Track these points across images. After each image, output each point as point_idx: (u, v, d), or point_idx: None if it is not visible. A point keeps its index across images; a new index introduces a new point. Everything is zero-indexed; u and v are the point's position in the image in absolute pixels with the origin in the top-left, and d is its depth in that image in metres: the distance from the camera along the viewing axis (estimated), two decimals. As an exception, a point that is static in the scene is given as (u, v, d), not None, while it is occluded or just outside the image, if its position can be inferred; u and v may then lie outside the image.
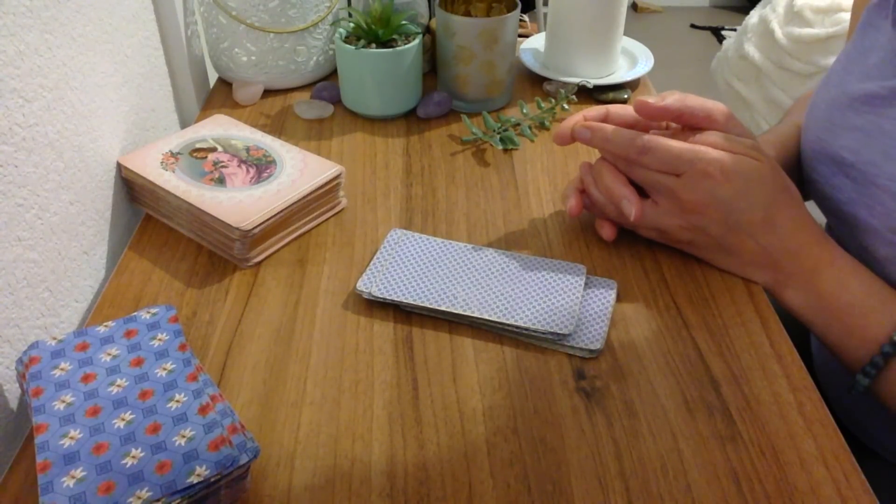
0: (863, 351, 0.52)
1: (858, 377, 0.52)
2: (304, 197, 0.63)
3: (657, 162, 0.55)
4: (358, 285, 0.57)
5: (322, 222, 0.66)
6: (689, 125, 0.57)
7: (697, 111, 0.55)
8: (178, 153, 0.67)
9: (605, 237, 0.62)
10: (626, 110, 0.60)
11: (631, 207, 0.57)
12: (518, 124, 0.80)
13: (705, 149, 0.53)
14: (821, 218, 0.65)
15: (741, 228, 0.55)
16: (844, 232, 0.59)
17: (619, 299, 0.58)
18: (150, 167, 0.65)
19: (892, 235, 0.53)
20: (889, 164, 0.53)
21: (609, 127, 0.57)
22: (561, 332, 0.53)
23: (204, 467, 0.40)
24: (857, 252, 0.56)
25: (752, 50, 1.77)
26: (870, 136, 0.55)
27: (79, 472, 0.40)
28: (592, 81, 0.85)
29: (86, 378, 0.46)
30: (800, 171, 0.67)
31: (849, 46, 0.63)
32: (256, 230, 0.59)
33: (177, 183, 0.63)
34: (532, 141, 0.79)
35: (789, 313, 0.57)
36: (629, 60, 0.92)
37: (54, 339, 0.49)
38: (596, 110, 0.60)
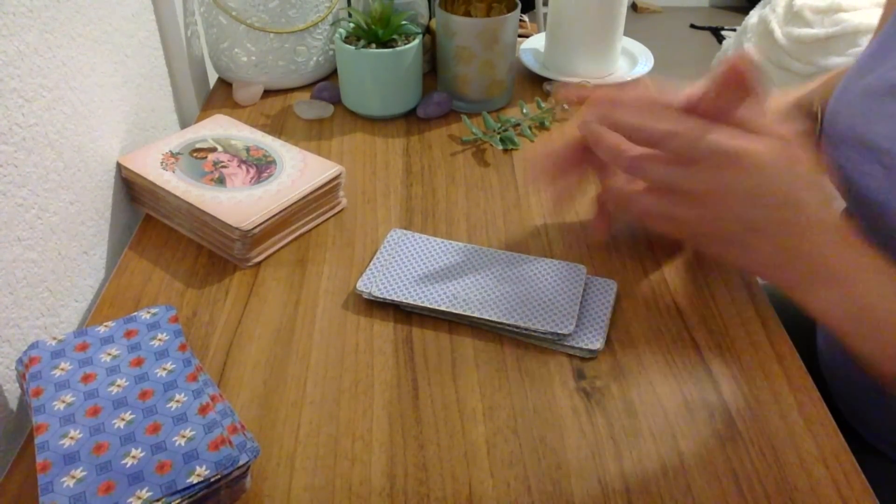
0: None
1: None
2: (304, 197, 0.63)
3: (676, 147, 0.49)
4: (358, 285, 0.57)
5: (322, 222, 0.66)
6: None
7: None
8: (178, 153, 0.67)
9: (597, 236, 0.60)
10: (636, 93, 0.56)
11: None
12: (518, 124, 0.80)
13: (726, 138, 0.48)
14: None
15: (760, 224, 0.50)
16: (869, 219, 0.57)
17: (619, 299, 0.58)
18: (150, 167, 0.65)
19: None
20: None
21: (627, 110, 0.52)
22: (561, 332, 0.53)
23: (204, 467, 0.40)
24: (882, 241, 0.53)
25: (751, 50, 1.77)
26: None
27: (79, 472, 0.40)
28: (592, 81, 0.85)
29: (86, 378, 0.46)
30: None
31: (887, 31, 0.60)
32: (256, 230, 0.59)
33: (177, 183, 0.63)
34: (532, 141, 0.79)
35: (812, 318, 0.52)
36: (629, 60, 0.92)
37: (54, 339, 0.49)
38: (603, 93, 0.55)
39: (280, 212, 0.61)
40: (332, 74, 0.92)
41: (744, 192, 0.49)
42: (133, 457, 0.41)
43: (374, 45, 0.77)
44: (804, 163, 0.50)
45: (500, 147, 0.76)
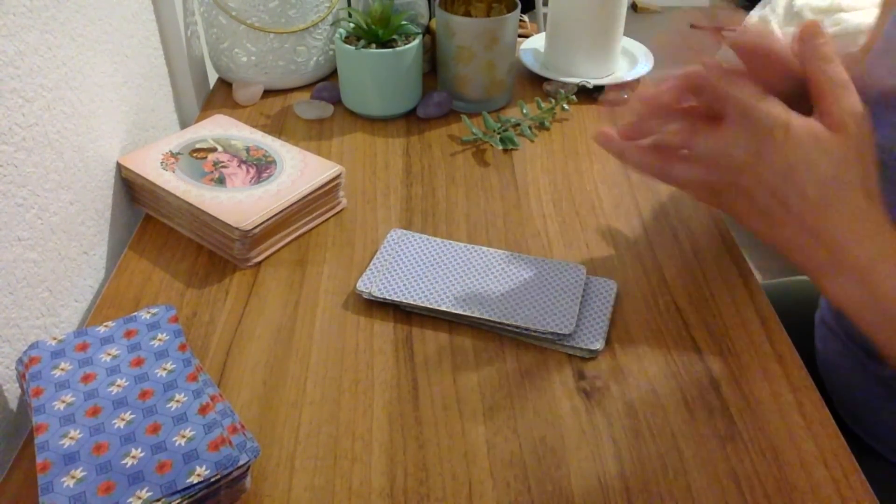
0: None
1: None
2: (304, 197, 0.63)
3: (731, 108, 0.48)
4: (358, 285, 0.57)
5: (322, 222, 0.66)
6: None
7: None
8: (178, 153, 0.67)
9: (600, 140, 0.54)
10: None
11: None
12: (518, 124, 0.80)
13: (779, 110, 0.47)
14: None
15: (791, 202, 0.49)
16: None
17: (619, 299, 0.58)
18: (150, 167, 0.65)
19: None
20: None
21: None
22: (561, 332, 0.53)
23: (204, 467, 0.40)
24: None
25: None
26: None
27: (79, 472, 0.40)
28: (592, 81, 0.85)
29: (86, 378, 0.46)
30: None
31: (873, 40, 0.61)
32: (256, 230, 0.59)
33: (177, 183, 0.63)
34: (532, 141, 0.79)
35: (832, 304, 0.52)
36: (629, 60, 0.92)
37: (54, 339, 0.49)
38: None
39: (280, 212, 0.61)
40: (332, 74, 0.92)
41: (783, 166, 0.48)
42: (133, 457, 0.41)
43: (374, 45, 0.77)
44: (863, 146, 0.48)
45: (500, 147, 0.76)
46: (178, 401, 0.44)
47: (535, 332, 0.53)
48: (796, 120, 0.48)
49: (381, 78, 0.78)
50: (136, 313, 0.51)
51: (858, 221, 0.49)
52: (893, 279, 0.48)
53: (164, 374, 0.46)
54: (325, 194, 0.65)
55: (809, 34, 0.49)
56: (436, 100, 0.82)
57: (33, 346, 0.48)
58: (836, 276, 0.50)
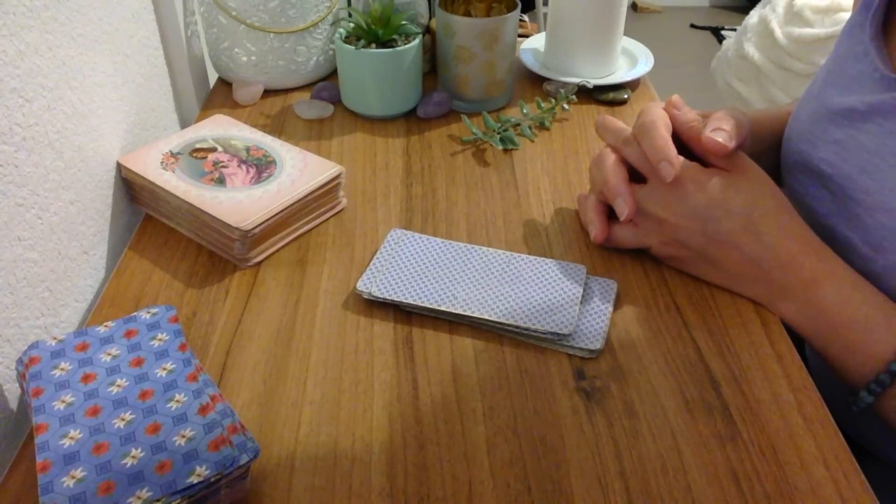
0: (867, 368, 0.50)
1: (862, 394, 0.50)
2: (304, 197, 0.63)
3: (635, 155, 0.57)
4: (358, 285, 0.57)
5: (322, 222, 0.66)
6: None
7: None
8: (178, 153, 0.67)
9: (593, 238, 0.61)
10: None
11: (624, 207, 0.57)
12: (518, 124, 0.80)
13: (678, 157, 0.54)
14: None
15: (721, 238, 0.54)
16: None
17: (619, 299, 0.58)
18: (150, 167, 0.65)
19: (868, 249, 0.53)
20: (865, 178, 0.53)
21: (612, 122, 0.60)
22: (561, 332, 0.53)
23: (204, 467, 0.40)
24: None
25: (751, 50, 1.77)
26: (848, 150, 0.55)
27: (79, 472, 0.40)
28: (592, 81, 0.85)
29: (86, 378, 0.46)
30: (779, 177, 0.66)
31: (830, 56, 0.63)
32: (256, 230, 0.59)
33: (177, 183, 0.63)
34: (532, 141, 0.79)
35: (785, 323, 0.56)
36: (629, 60, 0.92)
37: (54, 339, 0.49)
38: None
39: (280, 212, 0.61)
40: (332, 74, 0.92)
41: (702, 206, 0.54)
42: (133, 457, 0.41)
43: (374, 45, 0.77)
44: (765, 179, 0.55)
45: (500, 147, 0.76)
46: (178, 401, 0.44)
47: (535, 332, 0.53)
48: (697, 169, 0.54)
49: (381, 78, 0.78)
50: (136, 313, 0.51)
51: (792, 239, 0.53)
52: (835, 293, 0.52)
53: (164, 374, 0.46)
54: (325, 194, 0.65)
55: (673, 106, 0.57)
56: (436, 100, 0.82)
57: (33, 345, 0.48)
58: (784, 298, 0.55)
